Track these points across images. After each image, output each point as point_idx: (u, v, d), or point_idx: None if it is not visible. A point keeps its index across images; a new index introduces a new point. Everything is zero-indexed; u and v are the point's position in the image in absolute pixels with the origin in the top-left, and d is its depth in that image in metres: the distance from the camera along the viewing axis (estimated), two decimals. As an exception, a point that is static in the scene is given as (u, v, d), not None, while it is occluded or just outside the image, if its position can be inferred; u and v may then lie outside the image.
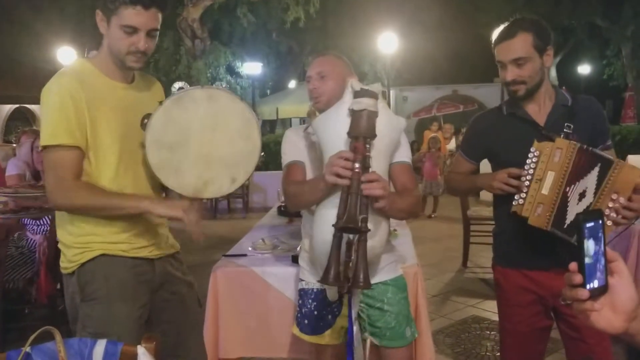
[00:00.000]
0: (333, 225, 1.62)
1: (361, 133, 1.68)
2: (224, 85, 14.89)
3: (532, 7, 16.95)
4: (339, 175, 1.65)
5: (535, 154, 1.87)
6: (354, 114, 1.71)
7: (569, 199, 1.83)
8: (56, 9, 12.66)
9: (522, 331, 2.04)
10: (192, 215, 1.77)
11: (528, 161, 1.87)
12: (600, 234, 0.91)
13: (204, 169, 1.82)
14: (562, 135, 1.88)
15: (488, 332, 3.76)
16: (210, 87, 1.88)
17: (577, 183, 1.82)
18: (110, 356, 1.40)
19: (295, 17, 11.89)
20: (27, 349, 1.34)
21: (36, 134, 4.52)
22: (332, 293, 2.01)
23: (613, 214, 1.78)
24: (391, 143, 1.88)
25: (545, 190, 1.82)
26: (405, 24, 16.47)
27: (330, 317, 2.05)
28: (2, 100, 13.34)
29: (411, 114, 18.34)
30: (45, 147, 1.72)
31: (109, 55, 1.81)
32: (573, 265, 0.91)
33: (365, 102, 1.71)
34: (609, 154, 1.90)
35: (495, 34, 1.97)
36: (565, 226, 1.81)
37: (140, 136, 1.81)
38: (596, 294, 0.93)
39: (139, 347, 1.39)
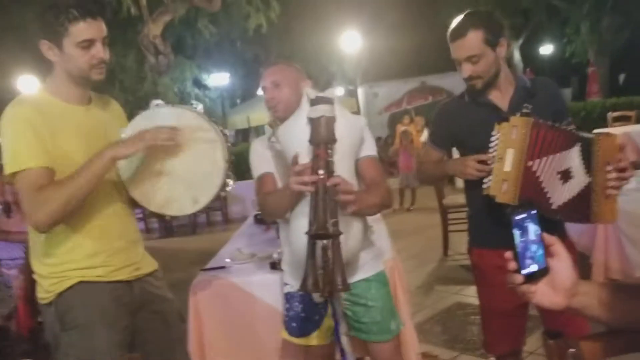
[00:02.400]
0: (305, 233, 1.64)
1: (321, 139, 1.72)
2: (192, 99, 14.83)
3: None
4: (303, 184, 1.68)
5: (497, 136, 1.93)
6: (313, 122, 1.75)
7: (537, 175, 1.88)
8: (15, 36, 12.46)
9: (503, 310, 2.08)
10: (154, 133, 1.74)
11: (491, 144, 1.93)
12: (530, 224, 1.01)
13: (168, 187, 1.84)
14: (518, 114, 1.94)
15: (472, 317, 3.81)
16: (180, 107, 1.90)
17: (545, 159, 1.88)
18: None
19: (257, 24, 11.85)
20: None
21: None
22: (317, 294, 2.03)
23: (614, 183, 1.89)
24: (353, 143, 1.92)
25: (507, 167, 1.88)
26: (368, 21, 16.60)
27: (317, 317, 2.08)
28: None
29: (382, 109, 18.52)
30: (14, 176, 1.69)
31: (66, 78, 1.79)
32: (508, 254, 1.01)
33: (321, 109, 1.74)
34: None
35: (449, 29, 2.02)
36: (554, 207, 1.90)
37: None
38: (537, 276, 1.03)
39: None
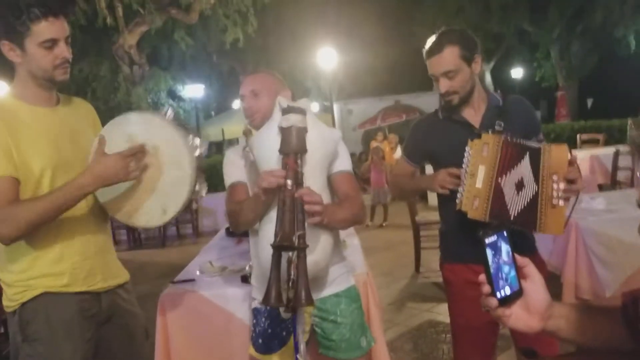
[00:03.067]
0: (270, 245, 1.60)
1: (291, 149, 1.69)
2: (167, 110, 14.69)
3: (464, 16, 17.58)
4: (265, 190, 1.66)
5: (470, 152, 1.95)
6: (283, 131, 1.72)
7: (503, 190, 1.91)
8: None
9: (474, 325, 2.08)
10: (117, 167, 1.69)
11: (464, 160, 1.95)
12: (502, 245, 1.00)
13: (134, 196, 1.79)
14: (490, 132, 1.97)
15: (444, 336, 3.81)
16: (148, 113, 1.86)
17: (508, 173, 1.92)
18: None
19: (234, 38, 11.84)
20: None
21: None
22: (283, 310, 1.99)
23: (561, 193, 1.90)
24: (325, 156, 1.89)
25: (479, 184, 1.90)
26: (344, 39, 16.76)
27: (284, 333, 2.02)
28: None
29: (356, 126, 18.63)
30: None
31: (30, 80, 1.73)
32: (482, 277, 0.99)
33: (292, 119, 1.72)
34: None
35: (426, 47, 2.05)
36: (512, 217, 1.90)
37: (74, 158, 1.77)
38: (512, 298, 1.01)
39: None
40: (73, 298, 1.76)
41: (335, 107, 21.88)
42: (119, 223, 7.62)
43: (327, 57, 13.98)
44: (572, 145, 9.56)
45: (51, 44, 1.68)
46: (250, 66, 17.24)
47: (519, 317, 1.03)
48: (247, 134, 2.05)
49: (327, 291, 2.00)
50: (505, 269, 1.00)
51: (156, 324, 2.39)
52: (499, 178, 1.91)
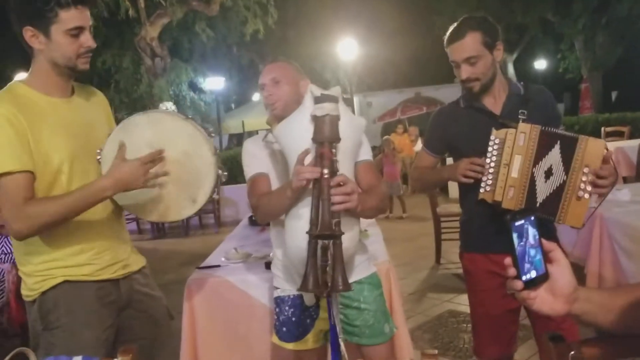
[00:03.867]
0: (307, 233, 1.62)
1: (326, 138, 1.68)
2: (187, 102, 14.81)
3: (485, 7, 17.36)
4: (307, 180, 1.66)
5: (495, 141, 1.95)
6: (317, 120, 1.71)
7: (535, 178, 1.92)
8: (8, 37, 12.44)
9: (494, 314, 2.09)
10: (136, 173, 1.69)
11: (489, 149, 1.95)
12: (529, 228, 1.00)
13: (159, 193, 1.80)
14: (520, 121, 1.96)
15: (464, 325, 3.82)
16: (152, 111, 1.85)
17: (541, 162, 1.92)
18: (87, 371, 1.39)
19: (254, 30, 11.90)
20: (1, 372, 1.32)
21: None
22: (309, 298, 2.00)
23: (589, 187, 1.89)
24: (354, 144, 1.90)
25: (514, 174, 1.90)
26: (364, 31, 16.70)
27: (309, 321, 2.04)
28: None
29: (376, 118, 18.57)
30: None
31: (51, 68, 1.71)
32: (507, 260, 1.00)
33: (327, 107, 1.71)
34: None
35: (447, 34, 2.04)
36: (537, 205, 1.91)
37: (90, 149, 1.78)
38: (537, 282, 1.02)
39: (116, 360, 1.39)
40: (92, 286, 1.78)
41: (355, 100, 21.84)
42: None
43: (347, 49, 13.95)
44: (597, 137, 9.44)
45: (77, 32, 1.67)
46: (270, 58, 17.25)
47: (544, 300, 1.03)
48: (271, 123, 2.05)
49: (351, 278, 2.00)
50: (532, 252, 1.01)
51: (183, 308, 2.45)
52: (534, 167, 1.91)
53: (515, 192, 1.89)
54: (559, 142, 1.92)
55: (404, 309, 4.18)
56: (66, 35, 1.65)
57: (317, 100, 1.74)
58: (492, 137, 1.95)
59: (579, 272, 3.23)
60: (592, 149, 1.89)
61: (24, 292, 1.80)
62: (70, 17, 1.64)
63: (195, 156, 1.79)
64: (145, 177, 1.70)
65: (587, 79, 17.47)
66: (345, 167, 1.79)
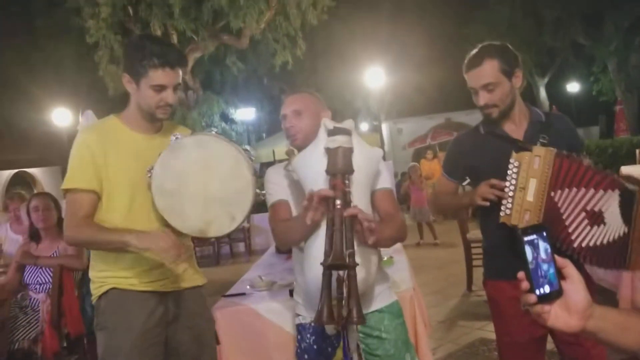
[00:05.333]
0: (321, 264, 1.63)
1: (338, 170, 1.71)
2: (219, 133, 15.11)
3: (515, 32, 17.31)
4: (315, 206, 1.69)
5: (514, 164, 1.94)
6: (330, 152, 1.74)
7: (559, 206, 1.88)
8: (51, 72, 12.98)
9: (520, 342, 2.06)
10: (162, 243, 1.85)
11: (509, 172, 1.94)
12: (540, 243, 1.01)
13: (203, 210, 1.93)
14: (538, 144, 1.95)
15: (496, 354, 3.73)
16: (198, 134, 2.00)
17: (569, 191, 1.88)
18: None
19: (283, 61, 12.11)
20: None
21: (22, 199, 4.60)
22: (330, 327, 2.01)
23: None
24: (369, 175, 1.92)
25: (530, 197, 1.89)
26: (393, 58, 16.81)
27: (330, 349, 2.03)
28: (2, 166, 13.57)
29: (406, 144, 18.56)
30: (65, 191, 1.95)
31: (138, 110, 2.00)
32: (521, 274, 1.01)
33: (339, 140, 1.74)
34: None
35: (465, 61, 2.07)
36: (576, 246, 1.87)
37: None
38: (552, 297, 1.02)
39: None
40: (139, 295, 1.97)
41: (385, 126, 21.89)
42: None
43: (374, 77, 14.06)
44: (632, 160, 9.22)
45: (160, 88, 1.93)
46: (291, 89, 17.53)
47: (558, 316, 1.03)
48: (289, 154, 2.11)
49: (371, 307, 2.01)
50: (544, 267, 1.01)
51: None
52: (552, 192, 1.89)
53: (531, 216, 1.88)
54: (618, 191, 1.87)
55: (434, 337, 4.16)
56: (150, 89, 1.93)
57: (330, 133, 1.77)
58: (511, 160, 1.94)
59: (611, 298, 3.14)
60: None
61: (92, 296, 2.08)
62: (156, 75, 1.92)
63: (236, 176, 1.92)
64: (166, 255, 1.86)
65: (621, 100, 17.14)
66: (359, 198, 1.80)
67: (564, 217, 1.89)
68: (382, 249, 3.17)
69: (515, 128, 2.08)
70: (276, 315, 2.48)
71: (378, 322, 2.01)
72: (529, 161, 1.91)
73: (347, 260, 1.61)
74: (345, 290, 1.63)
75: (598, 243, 1.87)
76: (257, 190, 1.95)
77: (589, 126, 20.59)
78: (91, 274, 2.06)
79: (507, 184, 1.94)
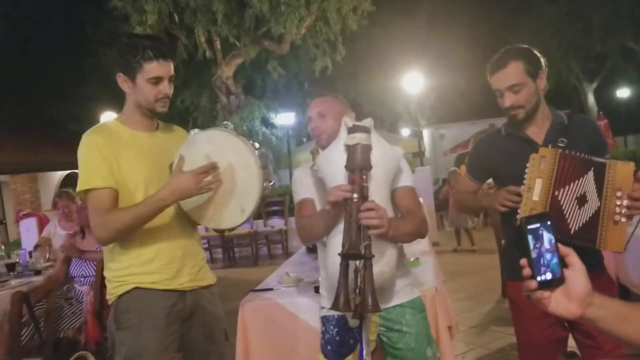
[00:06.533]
0: (338, 254, 1.72)
1: (357, 165, 1.80)
2: (260, 137, 15.36)
3: (562, 36, 16.96)
4: (334, 203, 1.78)
5: (528, 166, 1.98)
6: (349, 149, 1.83)
7: (561, 203, 1.92)
8: (100, 77, 13.49)
9: (539, 343, 2.08)
10: (188, 182, 1.89)
11: (525, 175, 1.98)
12: (544, 233, 1.06)
13: (216, 202, 2.00)
14: (550, 146, 1.99)
15: (526, 359, 3.71)
16: (209, 129, 2.06)
17: (567, 187, 1.93)
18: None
19: (322, 67, 12.25)
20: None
21: (70, 197, 4.84)
22: (352, 319, 2.09)
23: (624, 210, 1.89)
24: (388, 172, 1.99)
25: (535, 197, 1.93)
26: (435, 63, 16.72)
27: (352, 341, 2.10)
28: (55, 167, 14.19)
29: (448, 150, 18.41)
30: (84, 194, 1.96)
31: (136, 108, 2.05)
32: (523, 261, 1.05)
33: (358, 137, 1.82)
34: None
35: (489, 64, 2.11)
36: (572, 232, 1.91)
37: (165, 176, 2.02)
38: (553, 284, 1.07)
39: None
40: (160, 294, 2.01)
41: (427, 132, 21.75)
42: (215, 242, 8.08)
43: (412, 82, 14.02)
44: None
45: (157, 80, 1.98)
46: (340, 94, 17.61)
47: (558, 302, 1.07)
48: (314, 153, 2.19)
49: (393, 302, 2.08)
50: (548, 256, 1.05)
51: (237, 328, 2.59)
52: (556, 191, 1.92)
53: None
54: (592, 168, 1.93)
55: (464, 341, 4.17)
56: (148, 83, 1.98)
57: (350, 130, 1.86)
58: (528, 165, 1.98)
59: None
60: (621, 172, 1.90)
61: (107, 296, 2.08)
62: (151, 68, 1.97)
63: (243, 168, 1.98)
64: (198, 186, 1.91)
65: (673, 106, 16.53)
66: (377, 194, 1.87)
67: (564, 212, 1.93)
68: (410, 250, 3.25)
69: (538, 130, 2.11)
70: (302, 310, 2.56)
71: (399, 316, 2.08)
72: (536, 162, 1.95)
73: (364, 251, 1.70)
74: (360, 280, 1.70)
75: (583, 222, 1.92)
76: (265, 183, 1.99)
77: (639, 133, 19.93)
78: (108, 274, 2.06)
79: (522, 187, 1.97)
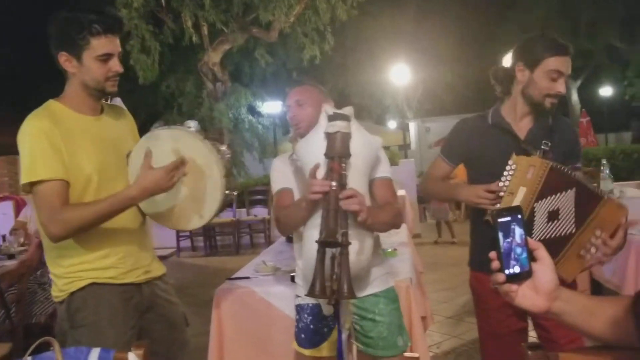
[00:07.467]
0: (316, 241, 1.72)
1: (336, 153, 1.80)
2: (246, 125, 15.27)
3: (549, 32, 17.03)
4: (317, 193, 1.77)
5: (512, 167, 1.96)
6: (329, 137, 1.83)
7: (534, 213, 1.92)
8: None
9: (499, 333, 2.11)
10: (156, 177, 1.83)
11: (505, 173, 1.96)
12: (514, 227, 1.06)
13: (173, 202, 1.96)
14: (539, 152, 1.97)
15: (500, 351, 3.76)
16: (173, 128, 1.99)
17: (545, 199, 1.91)
18: (104, 362, 1.53)
19: (311, 56, 12.19)
20: (29, 358, 1.48)
21: None
22: (327, 307, 2.10)
23: (593, 249, 1.85)
24: (367, 161, 1.98)
25: (516, 204, 1.89)
26: (423, 57, 16.74)
27: (326, 330, 2.12)
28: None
29: (432, 143, 18.48)
30: (30, 186, 1.78)
31: (82, 90, 1.88)
32: (492, 254, 1.05)
33: (338, 125, 1.83)
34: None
35: (551, 43, 2.01)
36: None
37: (116, 163, 1.94)
38: (521, 278, 1.07)
39: (129, 353, 1.51)
40: (117, 288, 1.91)
41: (413, 125, 21.81)
42: (197, 230, 7.97)
43: (399, 74, 14.01)
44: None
45: (106, 57, 1.84)
46: (329, 84, 17.58)
47: (525, 296, 1.08)
48: (293, 141, 2.18)
49: (367, 291, 2.09)
50: (518, 250, 1.05)
51: (212, 316, 2.58)
52: (536, 203, 1.91)
53: None
54: (574, 189, 1.89)
55: (440, 331, 4.21)
56: (96, 61, 1.83)
57: (330, 118, 1.86)
58: (510, 162, 1.96)
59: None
60: (611, 213, 1.84)
61: (54, 293, 1.94)
62: (100, 44, 1.82)
63: (207, 176, 1.93)
64: (170, 183, 1.85)
65: (655, 106, 16.76)
66: (356, 183, 1.87)
67: (534, 221, 1.91)
68: (389, 241, 3.26)
69: (523, 126, 2.08)
70: (277, 298, 2.56)
71: (373, 305, 2.09)
72: (523, 169, 1.92)
73: (341, 238, 1.70)
74: (336, 267, 1.71)
75: (547, 237, 1.90)
76: (227, 192, 1.95)
77: (620, 131, 20.16)
78: (58, 270, 1.89)
79: (501, 184, 1.95)
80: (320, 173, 1.84)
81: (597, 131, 15.33)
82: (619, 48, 17.61)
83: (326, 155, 1.82)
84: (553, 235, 1.90)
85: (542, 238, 1.90)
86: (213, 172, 1.93)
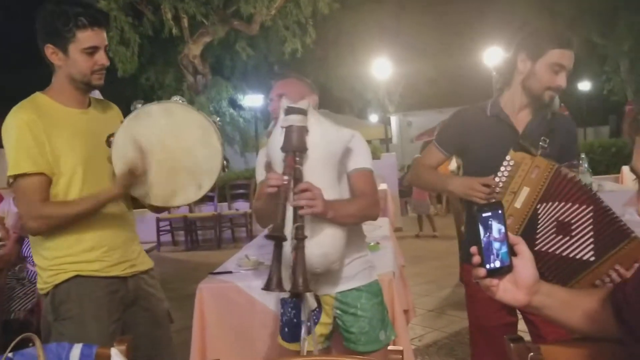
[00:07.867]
0: (265, 236, 1.75)
1: (290, 147, 1.80)
2: (227, 118, 15.18)
3: (529, 28, 17.19)
4: (272, 186, 1.77)
5: (510, 162, 1.93)
6: (285, 131, 1.84)
7: (539, 217, 1.89)
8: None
9: (488, 326, 2.13)
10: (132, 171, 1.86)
11: (502, 168, 1.94)
12: (494, 222, 1.07)
13: (169, 179, 1.94)
14: (539, 151, 1.94)
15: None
16: (164, 102, 1.98)
17: (551, 204, 1.88)
18: (86, 357, 1.51)
19: (292, 49, 12.16)
20: (9, 354, 1.45)
21: None
22: (310, 301, 2.09)
23: (607, 280, 1.81)
24: (330, 154, 1.94)
25: (518, 204, 1.89)
26: (404, 51, 16.77)
27: (309, 324, 2.12)
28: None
29: (414, 137, 18.59)
30: (13, 179, 1.81)
31: (68, 83, 1.88)
32: (474, 249, 1.07)
33: (291, 119, 1.83)
34: (574, 172, 1.97)
35: (554, 35, 2.00)
36: (535, 248, 1.85)
37: (103, 156, 1.92)
38: (501, 272, 1.09)
39: (112, 349, 1.50)
40: (102, 281, 1.91)
41: (395, 119, 21.87)
42: (178, 225, 7.94)
43: (381, 68, 14.03)
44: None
45: (93, 50, 1.83)
46: (310, 77, 17.50)
47: (506, 290, 1.09)
48: (268, 135, 2.18)
49: (349, 285, 2.07)
50: (497, 245, 1.07)
51: (194, 311, 2.56)
52: (539, 204, 1.89)
53: (512, 222, 1.87)
54: (592, 208, 1.82)
55: (422, 324, 4.24)
56: (82, 54, 1.83)
57: (286, 112, 1.86)
58: (507, 158, 1.93)
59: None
60: (635, 251, 1.79)
61: (39, 285, 1.94)
62: (86, 37, 1.82)
63: (204, 145, 1.93)
64: (138, 173, 1.87)
65: (631, 101, 17.02)
66: (317, 176, 1.84)
67: (538, 225, 1.89)
68: (372, 235, 3.26)
69: (521, 120, 2.07)
70: (260, 293, 2.54)
71: (355, 299, 2.08)
72: (527, 168, 1.89)
73: (296, 232, 1.72)
74: (292, 261, 1.73)
75: (557, 252, 1.86)
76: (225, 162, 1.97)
77: (599, 125, 20.46)
78: (42, 262, 1.89)
79: (497, 179, 1.93)
80: (278, 167, 1.85)
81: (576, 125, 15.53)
82: (597, 43, 17.82)
83: (282, 149, 1.83)
84: (565, 254, 1.85)
85: (550, 249, 1.86)
86: (211, 140, 1.93)
